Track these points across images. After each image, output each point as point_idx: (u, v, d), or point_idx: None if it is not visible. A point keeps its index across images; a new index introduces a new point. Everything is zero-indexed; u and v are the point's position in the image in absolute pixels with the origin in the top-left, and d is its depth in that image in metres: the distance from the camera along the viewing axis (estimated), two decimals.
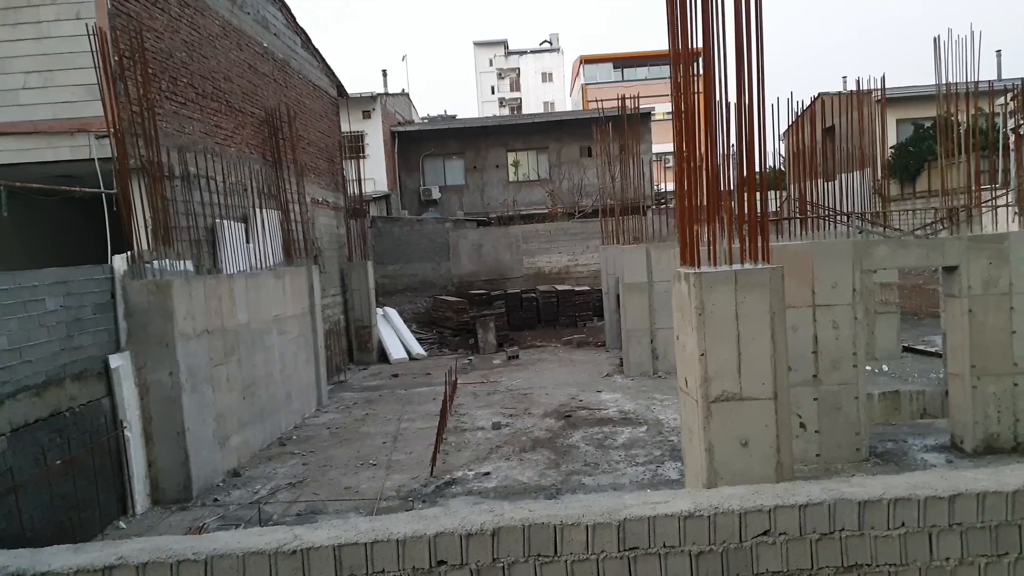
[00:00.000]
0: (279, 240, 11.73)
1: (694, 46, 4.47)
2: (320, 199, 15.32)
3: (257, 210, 10.92)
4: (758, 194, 4.45)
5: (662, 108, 28.08)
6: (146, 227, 7.69)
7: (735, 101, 4.40)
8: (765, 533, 3.45)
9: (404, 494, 7.16)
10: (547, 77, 63.70)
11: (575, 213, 23.89)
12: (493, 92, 64.91)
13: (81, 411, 6.44)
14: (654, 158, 27.32)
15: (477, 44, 66.53)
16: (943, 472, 3.90)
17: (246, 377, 8.94)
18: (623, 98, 13.63)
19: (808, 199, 9.24)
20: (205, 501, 7.28)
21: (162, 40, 9.16)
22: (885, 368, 11.37)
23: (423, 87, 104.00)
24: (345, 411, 11.23)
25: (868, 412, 7.28)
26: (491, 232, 22.18)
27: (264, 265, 10.72)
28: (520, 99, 63.39)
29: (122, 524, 6.73)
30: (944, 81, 8.12)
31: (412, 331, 17.85)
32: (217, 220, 9.83)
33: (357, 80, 71.37)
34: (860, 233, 8.81)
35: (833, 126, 10.47)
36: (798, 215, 9.08)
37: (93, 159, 7.94)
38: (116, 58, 7.79)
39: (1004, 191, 9.78)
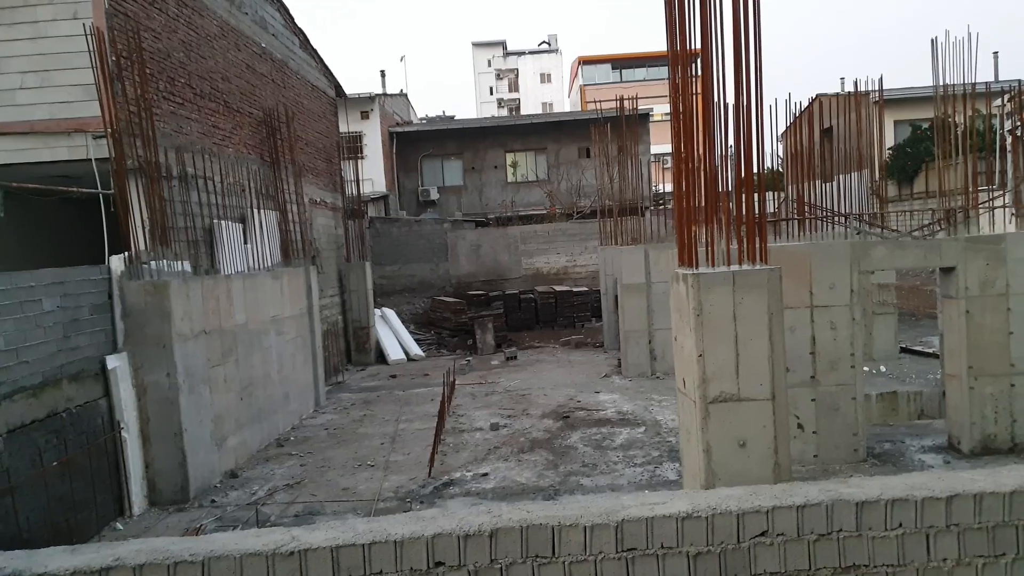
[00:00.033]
0: (277, 241, 11.72)
1: (692, 47, 4.47)
2: (318, 200, 15.31)
3: (255, 211, 10.91)
4: (756, 195, 4.46)
5: (660, 109, 28.09)
6: (143, 227, 7.68)
7: (733, 102, 4.41)
8: (763, 534, 3.45)
9: (402, 495, 7.16)
10: (545, 78, 63.71)
11: (573, 214, 23.89)
12: (491, 93, 64.91)
13: (78, 412, 6.43)
14: (652, 159, 27.35)
15: (476, 45, 66.54)
16: (940, 473, 3.90)
17: (244, 378, 8.93)
18: (621, 99, 13.63)
19: (806, 200, 9.25)
20: (202, 502, 7.26)
21: (160, 40, 9.15)
22: (883, 369, 11.38)
23: (421, 88, 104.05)
24: (343, 412, 11.22)
25: (866, 413, 7.29)
26: (489, 233, 22.17)
27: (262, 266, 10.72)
28: (518, 100, 63.39)
29: (119, 525, 6.72)
30: (941, 82, 8.14)
31: (410, 332, 17.84)
32: (215, 220, 9.82)
33: (355, 80, 71.32)
34: (858, 234, 8.82)
35: (831, 127, 10.49)
36: (796, 216, 9.10)
37: (90, 159, 7.93)
38: (113, 58, 7.78)
39: (1001, 192, 9.81)
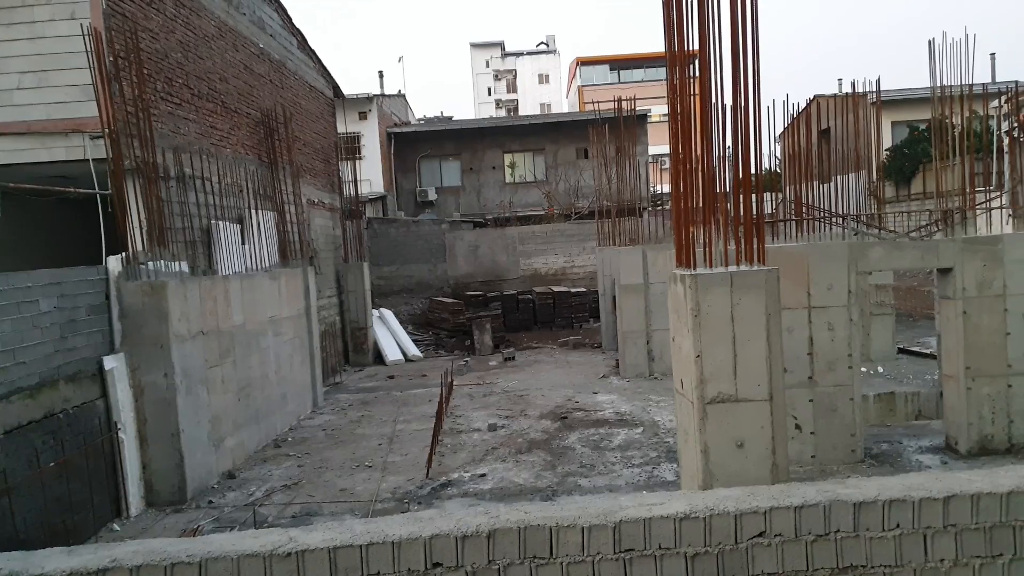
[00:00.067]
0: (275, 241, 11.71)
1: (690, 48, 4.48)
2: (316, 200, 15.30)
3: (253, 211, 10.90)
4: (754, 196, 4.46)
5: (658, 110, 28.10)
6: (141, 228, 7.67)
7: (731, 103, 4.42)
8: (761, 534, 3.45)
9: (400, 496, 7.15)
10: (543, 79, 63.74)
11: (571, 215, 23.90)
12: (490, 93, 64.89)
13: (75, 413, 6.42)
14: (650, 160, 27.37)
15: (474, 45, 66.53)
16: (938, 473, 3.90)
17: (241, 379, 8.92)
18: (619, 100, 13.64)
19: (804, 201, 9.26)
20: (200, 503, 7.25)
21: (157, 40, 9.14)
22: (880, 370, 11.39)
23: (420, 88, 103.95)
24: (341, 413, 11.21)
25: (863, 414, 7.29)
26: (487, 233, 22.17)
27: (260, 266, 10.70)
28: (516, 100, 63.38)
29: (116, 526, 6.70)
30: (939, 84, 8.16)
31: (408, 332, 17.84)
32: (212, 221, 9.81)
33: (354, 81, 71.35)
34: (855, 235, 8.83)
35: (829, 128, 10.51)
36: (794, 217, 9.11)
37: (88, 160, 7.92)
38: (111, 58, 7.77)
39: (998, 193, 9.83)
